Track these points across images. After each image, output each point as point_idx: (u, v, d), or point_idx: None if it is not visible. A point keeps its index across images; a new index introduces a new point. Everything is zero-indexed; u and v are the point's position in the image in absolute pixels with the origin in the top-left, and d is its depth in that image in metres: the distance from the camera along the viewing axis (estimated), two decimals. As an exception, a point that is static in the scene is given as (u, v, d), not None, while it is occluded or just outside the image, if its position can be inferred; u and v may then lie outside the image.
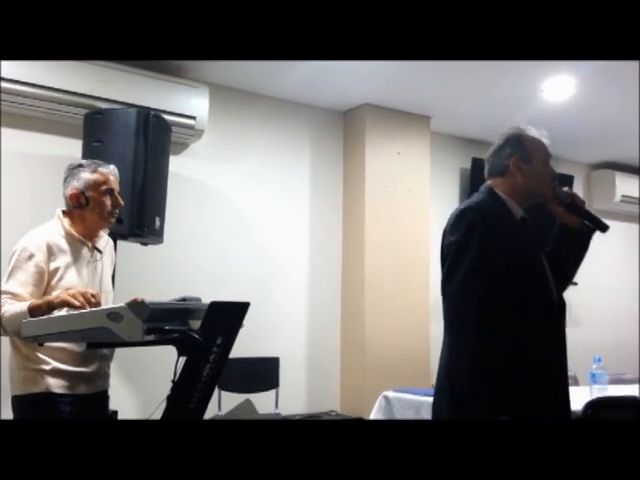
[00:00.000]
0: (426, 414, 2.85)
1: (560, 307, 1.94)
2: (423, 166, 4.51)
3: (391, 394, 3.15)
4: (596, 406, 2.61)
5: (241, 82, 4.03)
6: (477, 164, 4.89)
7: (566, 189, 2.02)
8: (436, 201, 4.68)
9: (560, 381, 1.91)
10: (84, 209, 2.06)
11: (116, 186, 2.13)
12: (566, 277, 2.05)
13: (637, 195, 5.53)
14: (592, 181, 5.67)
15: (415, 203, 4.46)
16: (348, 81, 3.96)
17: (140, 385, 3.58)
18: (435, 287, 4.51)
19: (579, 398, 2.81)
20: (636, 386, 3.64)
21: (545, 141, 2.02)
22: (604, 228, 1.99)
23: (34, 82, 3.21)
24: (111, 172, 2.13)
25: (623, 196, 5.46)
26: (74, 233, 2.06)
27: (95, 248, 2.12)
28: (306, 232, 4.34)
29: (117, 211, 2.13)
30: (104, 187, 2.08)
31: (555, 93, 4.06)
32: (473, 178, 4.90)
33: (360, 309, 4.23)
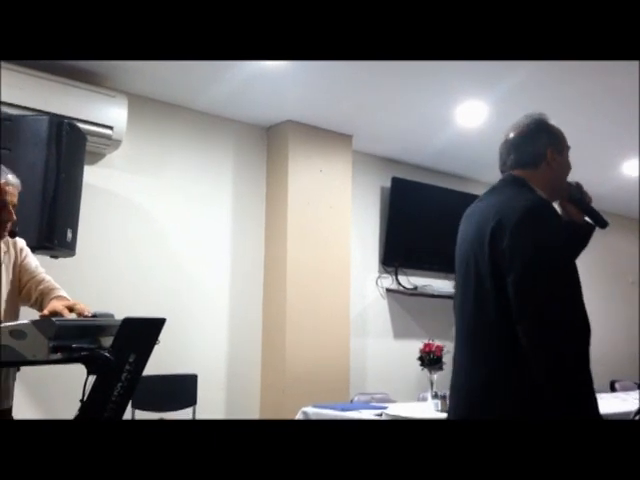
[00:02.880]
0: (344, 430, 2.87)
1: None
2: (345, 184, 4.59)
3: (310, 410, 3.16)
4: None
5: (162, 93, 3.96)
6: (397, 183, 5.03)
7: (574, 183, 1.89)
8: (357, 219, 4.77)
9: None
10: None
11: (12, 198, 1.97)
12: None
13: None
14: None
15: (337, 220, 4.52)
16: (271, 97, 3.98)
17: (47, 404, 3.40)
18: (356, 303, 4.60)
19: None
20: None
21: None
22: (604, 224, 1.90)
23: (-64, 84, 3.02)
24: (8, 182, 1.96)
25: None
26: None
27: None
28: (228, 247, 4.30)
29: (8, 225, 1.96)
30: None
31: (469, 118, 4.24)
32: (393, 196, 5.03)
33: (281, 325, 4.22)
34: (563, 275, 1.52)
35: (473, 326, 1.64)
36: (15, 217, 1.99)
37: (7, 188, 1.96)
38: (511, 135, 1.77)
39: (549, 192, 1.72)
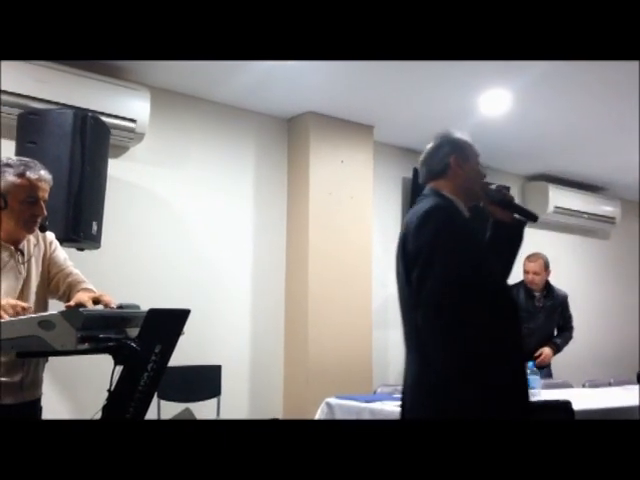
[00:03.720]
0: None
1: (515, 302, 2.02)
2: (366, 174, 4.57)
3: (333, 401, 3.16)
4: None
5: (184, 86, 3.97)
6: (418, 174, 4.99)
7: (494, 186, 2.10)
8: (378, 209, 4.75)
9: (523, 374, 1.96)
10: (1, 212, 1.94)
11: (44, 194, 2.00)
12: (504, 272, 2.06)
13: (569, 206, 5.77)
14: (527, 192, 5.88)
15: (358, 210, 4.51)
16: (292, 89, 3.97)
17: (75, 394, 3.46)
18: (378, 293, 4.58)
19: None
20: (566, 390, 3.78)
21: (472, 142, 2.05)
22: (534, 218, 2.08)
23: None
24: (40, 178, 1.98)
25: (556, 207, 5.69)
26: None
27: (19, 250, 2.01)
28: (250, 239, 4.31)
29: (39, 220, 1.99)
30: (25, 194, 1.94)
31: (492, 106, 4.19)
32: (414, 187, 5.00)
33: (303, 316, 4.23)
34: (455, 266, 1.74)
35: (402, 322, 1.90)
36: (45, 212, 2.02)
37: (39, 184, 1.98)
38: (422, 154, 2.04)
39: (463, 196, 1.95)
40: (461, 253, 1.78)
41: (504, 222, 2.05)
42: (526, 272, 4.25)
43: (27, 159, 2.04)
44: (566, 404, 2.79)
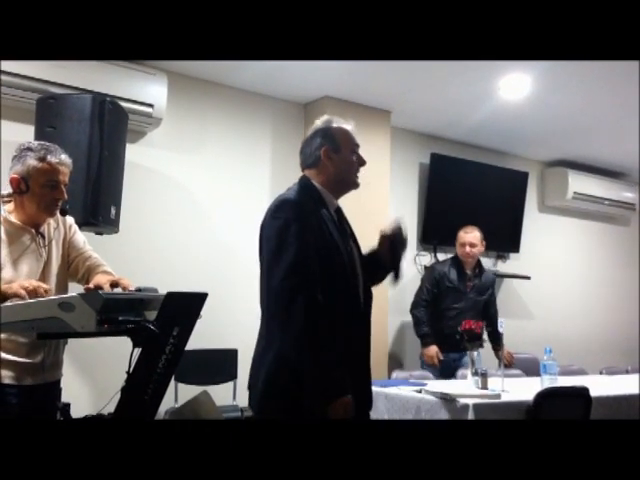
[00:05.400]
0: (382, 404, 2.89)
1: (368, 298, 2.06)
2: (383, 160, 4.54)
3: (348, 385, 3.17)
4: (546, 396, 2.69)
5: (201, 71, 3.97)
6: (436, 159, 4.96)
7: (398, 223, 2.13)
8: (395, 195, 4.73)
9: (366, 363, 2.08)
10: (23, 196, 1.97)
11: (64, 177, 2.02)
12: (376, 278, 2.15)
13: (589, 192, 5.70)
14: (546, 178, 5.82)
15: (375, 197, 4.48)
16: (309, 73, 3.95)
17: (94, 376, 3.51)
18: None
19: (530, 388, 2.89)
20: (582, 377, 3.77)
21: (351, 130, 2.08)
22: (395, 279, 2.13)
23: (-16, 65, 3.10)
24: (61, 162, 2.00)
25: (575, 193, 5.62)
26: (13, 220, 1.98)
27: (40, 233, 2.04)
28: (265, 224, 4.31)
29: (60, 203, 2.02)
30: (46, 178, 1.97)
31: (511, 91, 4.14)
32: (432, 173, 4.96)
33: (319, 301, 4.22)
34: (298, 257, 1.80)
35: (260, 303, 1.96)
36: (66, 196, 2.04)
37: (60, 168, 2.01)
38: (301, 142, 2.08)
39: (333, 185, 2.02)
40: (306, 246, 1.84)
41: (380, 255, 2.13)
42: (462, 245, 4.10)
43: (48, 143, 2.06)
44: (583, 390, 2.78)
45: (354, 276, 2.00)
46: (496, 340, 3.77)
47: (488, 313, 4.17)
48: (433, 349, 3.95)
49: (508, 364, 3.89)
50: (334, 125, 2.05)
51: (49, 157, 1.99)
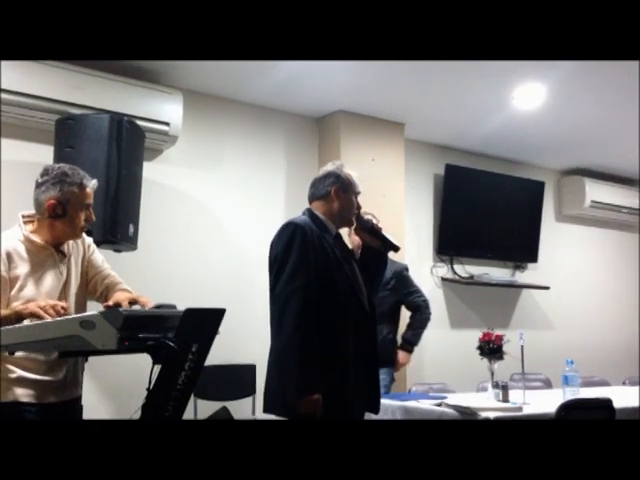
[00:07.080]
0: (401, 418, 2.86)
1: (371, 308, 2.33)
2: (397, 172, 4.55)
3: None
4: (569, 408, 2.65)
5: (215, 88, 4.02)
6: (451, 170, 4.95)
7: (368, 217, 2.49)
8: (410, 207, 4.73)
9: (373, 371, 2.31)
10: (56, 219, 2.02)
11: (92, 200, 2.08)
12: (373, 285, 2.43)
13: (606, 200, 5.65)
14: (562, 187, 5.77)
15: (390, 209, 4.48)
16: (322, 88, 3.98)
17: (114, 393, 3.53)
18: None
19: (552, 400, 2.85)
20: (605, 388, 3.71)
21: (356, 178, 2.41)
22: (395, 249, 2.45)
23: (5, 88, 3.16)
24: (93, 186, 2.07)
25: (592, 201, 5.57)
26: (35, 239, 2.00)
27: (60, 252, 2.06)
28: (282, 238, 4.33)
29: (88, 225, 2.09)
30: (82, 203, 2.03)
31: (526, 100, 4.13)
32: (447, 184, 4.96)
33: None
34: (300, 275, 2.13)
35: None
36: (94, 218, 2.10)
37: (91, 192, 2.07)
38: (313, 179, 2.42)
39: (336, 220, 2.36)
40: (308, 265, 2.15)
41: (372, 247, 2.44)
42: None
43: (76, 167, 2.10)
44: (606, 402, 2.74)
45: (358, 289, 2.28)
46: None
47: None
48: None
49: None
50: (345, 170, 2.40)
51: (84, 182, 2.04)
